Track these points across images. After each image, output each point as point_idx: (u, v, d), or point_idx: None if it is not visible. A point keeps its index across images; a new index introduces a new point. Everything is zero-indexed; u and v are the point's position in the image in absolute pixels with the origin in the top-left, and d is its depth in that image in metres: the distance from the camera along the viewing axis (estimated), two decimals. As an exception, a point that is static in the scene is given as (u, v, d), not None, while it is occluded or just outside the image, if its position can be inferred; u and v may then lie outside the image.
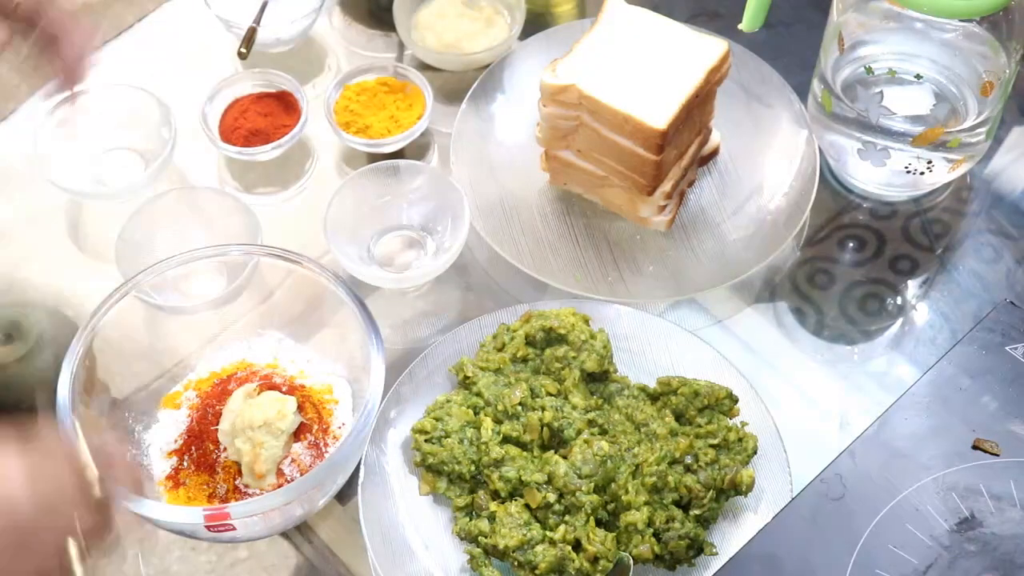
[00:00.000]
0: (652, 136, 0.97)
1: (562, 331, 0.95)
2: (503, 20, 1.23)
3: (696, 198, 1.11)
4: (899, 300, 1.07)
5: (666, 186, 1.04)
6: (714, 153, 1.13)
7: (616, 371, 0.97)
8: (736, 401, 0.93)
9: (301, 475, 0.91)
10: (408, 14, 1.22)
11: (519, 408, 0.93)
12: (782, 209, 1.08)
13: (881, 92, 1.03)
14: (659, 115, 0.97)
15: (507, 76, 1.18)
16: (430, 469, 0.91)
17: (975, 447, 0.86)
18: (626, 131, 0.99)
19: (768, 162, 1.12)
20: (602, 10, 1.05)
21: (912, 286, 1.08)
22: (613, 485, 0.88)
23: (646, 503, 0.87)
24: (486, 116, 1.15)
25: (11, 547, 0.60)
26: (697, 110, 1.03)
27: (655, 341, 0.99)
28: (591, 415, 0.93)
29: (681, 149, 1.05)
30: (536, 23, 1.25)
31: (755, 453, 0.91)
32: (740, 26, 1.02)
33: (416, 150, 1.16)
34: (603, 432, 0.93)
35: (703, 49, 1.02)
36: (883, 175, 1.07)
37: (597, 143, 1.02)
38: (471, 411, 0.93)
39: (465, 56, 1.19)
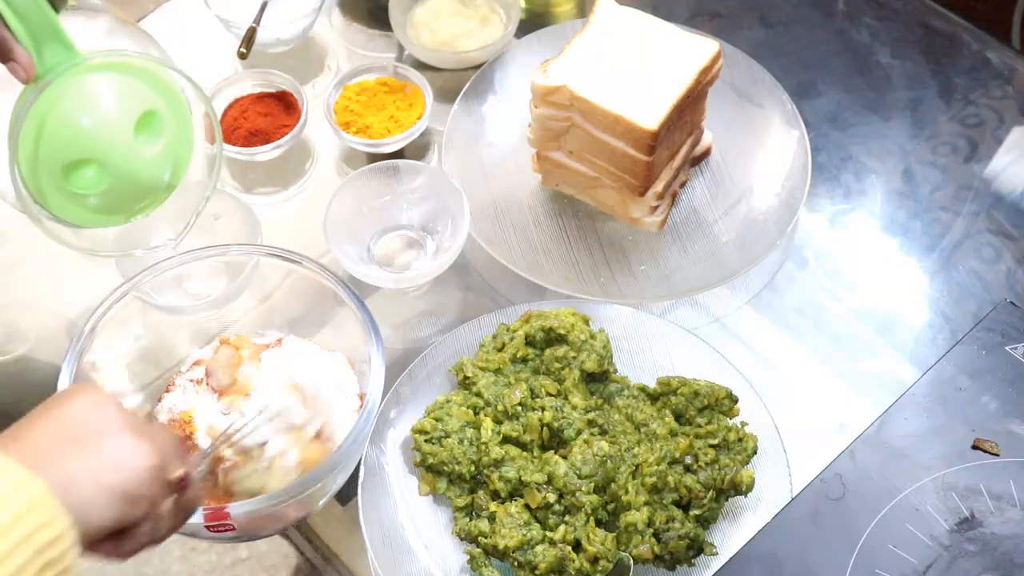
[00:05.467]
0: (643, 137, 0.97)
1: (562, 331, 0.95)
2: (498, 19, 1.23)
3: (688, 198, 1.11)
4: (899, 300, 1.07)
5: (658, 187, 1.04)
6: (706, 153, 1.13)
7: (616, 371, 0.97)
8: (736, 401, 0.93)
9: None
10: (404, 12, 1.22)
11: (519, 408, 0.93)
12: (774, 209, 1.08)
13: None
14: (650, 116, 0.97)
15: (499, 77, 1.18)
16: (430, 469, 0.91)
17: (975, 447, 0.86)
18: (617, 132, 0.99)
19: (760, 162, 1.12)
20: (593, 11, 1.05)
21: (912, 286, 1.08)
22: (613, 485, 0.88)
23: (646, 503, 0.87)
24: (478, 117, 1.15)
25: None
26: (688, 110, 1.03)
27: (655, 341, 0.99)
28: (591, 415, 0.93)
29: (673, 150, 1.05)
30: (536, 22, 1.25)
31: (755, 453, 0.91)
32: None
33: (416, 150, 1.17)
34: (603, 432, 0.93)
35: (694, 50, 1.02)
36: None
37: (589, 144, 1.02)
38: (471, 411, 0.93)
39: (459, 54, 1.19)
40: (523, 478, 0.89)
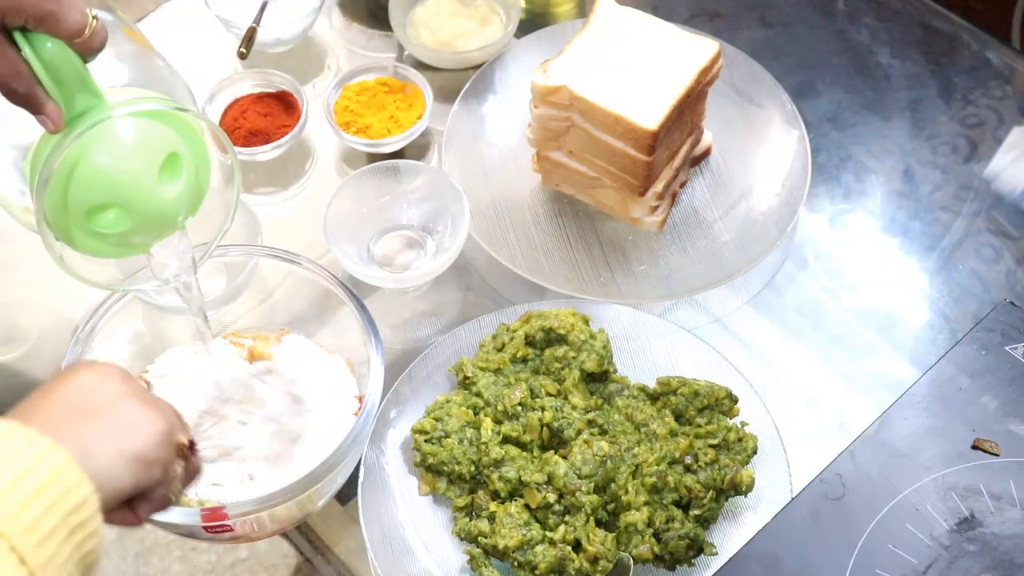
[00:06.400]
0: (643, 137, 0.97)
1: (562, 331, 0.95)
2: (498, 19, 1.23)
3: (688, 198, 1.11)
4: (899, 300, 1.07)
5: (658, 186, 1.04)
6: (706, 153, 1.13)
7: (616, 371, 0.97)
8: (736, 401, 0.93)
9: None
10: (404, 11, 1.22)
11: (519, 408, 0.93)
12: (774, 209, 1.08)
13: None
14: (650, 116, 0.97)
15: (499, 77, 1.18)
16: (430, 469, 0.91)
17: (975, 447, 0.86)
18: (617, 132, 0.99)
19: (760, 162, 1.12)
20: (593, 11, 1.05)
21: (912, 286, 1.08)
22: (613, 485, 0.88)
23: (646, 503, 0.87)
24: (478, 117, 1.15)
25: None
26: (688, 110, 1.03)
27: (655, 341, 0.99)
28: (591, 415, 0.93)
29: (673, 149, 1.05)
30: (536, 22, 1.25)
31: (755, 453, 0.91)
32: None
33: (416, 150, 1.17)
34: (603, 432, 0.93)
35: (694, 50, 1.02)
36: None
37: (589, 144, 1.02)
38: (471, 411, 0.93)
39: (459, 54, 1.19)
40: (523, 478, 0.89)
